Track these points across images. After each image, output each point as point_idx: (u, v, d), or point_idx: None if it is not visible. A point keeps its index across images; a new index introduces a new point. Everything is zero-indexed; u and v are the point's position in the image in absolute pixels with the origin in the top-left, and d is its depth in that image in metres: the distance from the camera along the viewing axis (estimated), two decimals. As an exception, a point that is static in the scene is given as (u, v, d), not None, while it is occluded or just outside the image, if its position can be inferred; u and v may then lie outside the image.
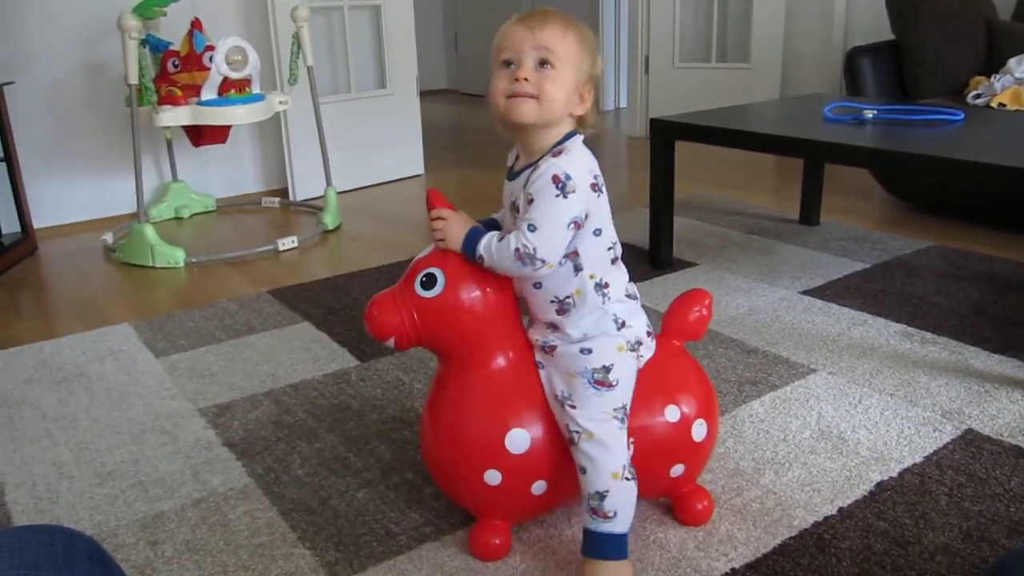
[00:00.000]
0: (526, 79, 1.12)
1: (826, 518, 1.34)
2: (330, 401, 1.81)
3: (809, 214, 2.94)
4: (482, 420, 1.21)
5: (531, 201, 1.12)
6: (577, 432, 1.17)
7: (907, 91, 3.28)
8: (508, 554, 1.28)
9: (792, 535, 1.31)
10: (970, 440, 1.55)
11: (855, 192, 3.41)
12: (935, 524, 1.32)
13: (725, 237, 2.86)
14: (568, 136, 1.18)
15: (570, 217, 1.12)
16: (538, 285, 1.20)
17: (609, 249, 1.21)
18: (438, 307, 1.18)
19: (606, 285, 1.20)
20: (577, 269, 1.18)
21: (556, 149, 1.15)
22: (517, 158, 1.23)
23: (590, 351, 1.19)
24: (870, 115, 2.34)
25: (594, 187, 1.15)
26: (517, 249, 1.11)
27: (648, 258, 2.54)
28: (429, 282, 1.18)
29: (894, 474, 1.45)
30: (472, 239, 1.17)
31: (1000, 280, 2.34)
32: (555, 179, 1.11)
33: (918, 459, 1.50)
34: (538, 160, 1.16)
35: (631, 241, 2.61)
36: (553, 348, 1.22)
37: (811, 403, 1.71)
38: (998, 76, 3.06)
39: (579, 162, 1.14)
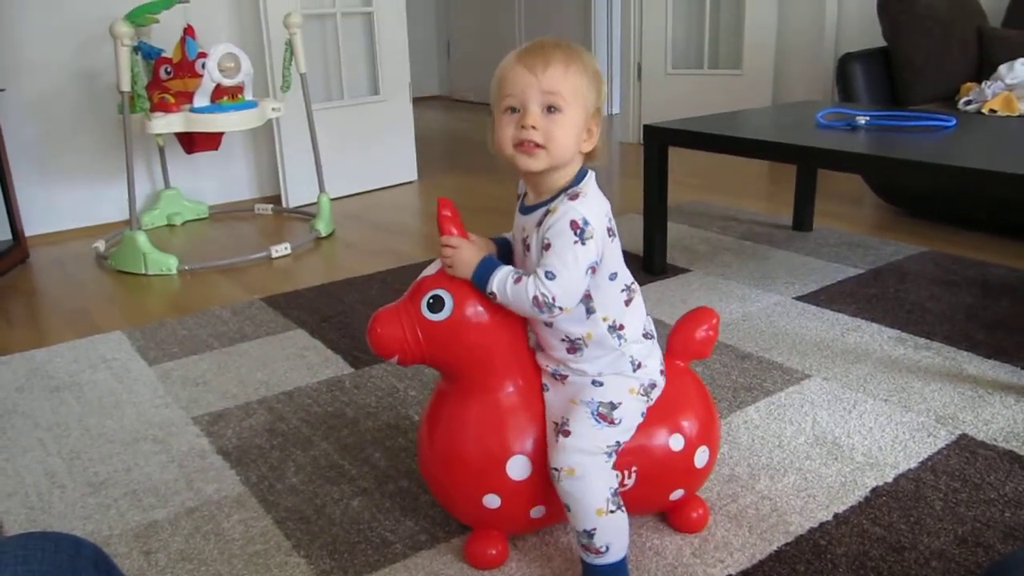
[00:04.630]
0: (534, 127, 1.08)
1: (822, 524, 1.34)
2: (324, 409, 1.80)
3: (802, 220, 2.95)
4: (484, 445, 1.19)
5: (548, 246, 1.09)
6: (557, 470, 1.15)
7: (898, 97, 3.30)
8: (504, 562, 1.28)
9: (788, 541, 1.31)
10: (964, 445, 1.55)
11: (848, 198, 3.42)
12: (930, 529, 1.32)
13: (718, 243, 2.86)
14: (581, 175, 1.15)
15: (588, 263, 1.09)
16: (549, 323, 1.17)
17: (623, 291, 1.18)
18: (445, 331, 1.15)
19: (621, 327, 1.17)
20: (589, 312, 1.15)
21: (572, 192, 1.12)
22: (527, 192, 1.20)
23: (602, 384, 1.18)
24: (862, 121, 2.35)
25: (609, 231, 1.13)
26: (535, 297, 1.08)
27: (642, 264, 2.54)
28: (436, 305, 1.15)
29: (889, 479, 1.45)
30: (484, 273, 1.13)
31: (993, 285, 2.35)
32: (573, 225, 1.08)
33: (913, 464, 1.50)
34: (553, 200, 1.13)
35: (624, 247, 2.60)
36: (564, 377, 1.20)
37: (805, 409, 1.71)
38: (989, 82, 3.08)
39: (595, 206, 1.11)
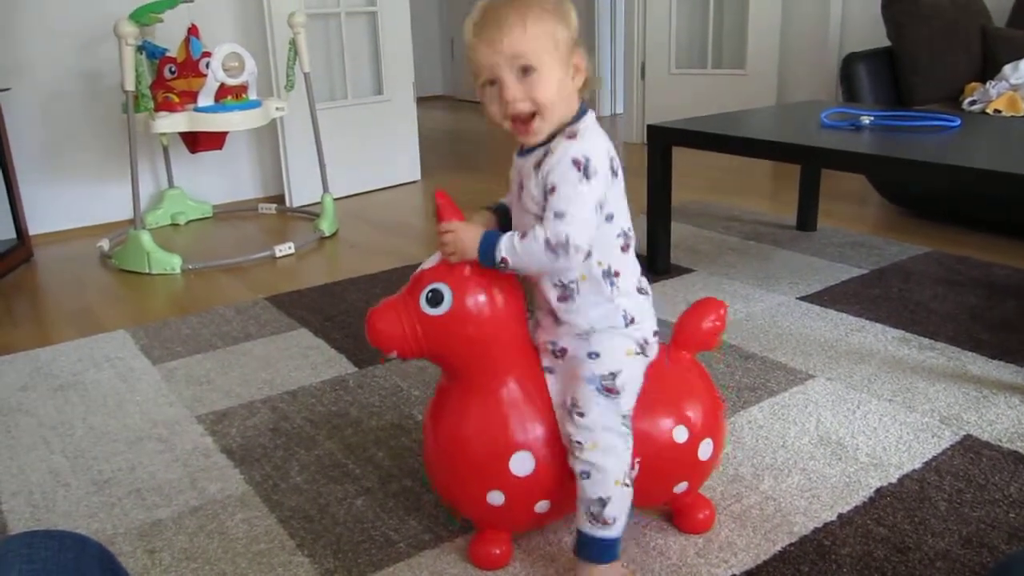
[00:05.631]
0: (516, 98, 1.07)
1: (826, 524, 1.34)
2: (328, 408, 1.80)
3: (806, 220, 2.95)
4: (487, 441, 1.18)
5: (552, 189, 1.07)
6: (580, 443, 1.15)
7: (903, 97, 3.29)
8: (508, 563, 1.28)
9: (792, 541, 1.30)
10: (969, 446, 1.55)
11: (852, 198, 3.42)
12: (935, 530, 1.32)
13: (722, 243, 2.86)
14: (580, 114, 1.13)
15: (596, 199, 1.08)
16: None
17: (619, 236, 1.16)
18: (444, 325, 1.14)
19: (616, 274, 1.16)
20: (586, 254, 1.12)
21: (570, 131, 1.10)
22: None
23: (598, 355, 1.16)
24: (867, 121, 2.34)
25: (612, 170, 1.11)
26: (548, 240, 1.07)
27: (646, 264, 2.53)
28: (435, 298, 1.14)
29: (893, 480, 1.45)
30: (488, 245, 1.11)
31: (997, 286, 2.35)
32: (576, 163, 1.07)
33: (917, 465, 1.49)
34: (550, 141, 1.11)
35: (628, 247, 2.61)
36: (563, 352, 1.19)
37: (810, 409, 1.71)
38: (993, 82, 3.07)
39: (596, 143, 1.10)
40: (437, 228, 1.15)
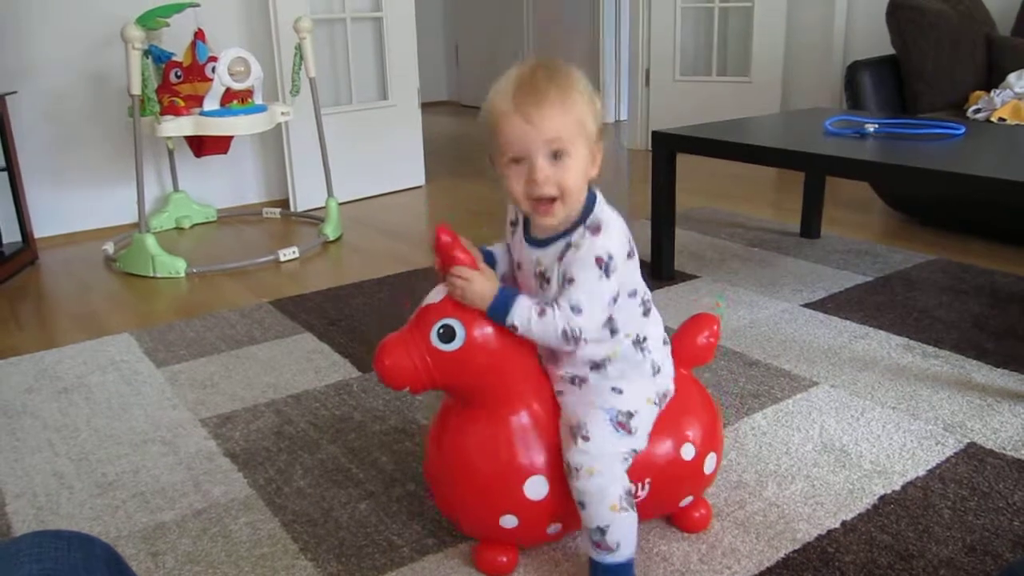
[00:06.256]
0: (547, 181, 1.07)
1: (829, 531, 1.34)
2: (332, 412, 1.80)
3: (810, 227, 2.95)
4: (502, 466, 1.17)
5: (571, 280, 1.09)
6: (576, 469, 1.14)
7: (907, 105, 3.30)
8: (514, 569, 1.28)
9: (795, 548, 1.30)
10: (973, 454, 1.55)
11: (856, 205, 3.42)
12: (939, 538, 1.31)
13: (726, 250, 2.86)
14: (591, 200, 1.14)
15: (612, 295, 1.10)
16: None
17: (640, 304, 1.19)
18: (458, 360, 1.12)
19: (644, 339, 1.19)
20: (613, 332, 1.16)
21: (592, 224, 1.11)
22: (527, 223, 1.18)
23: (621, 392, 1.17)
24: (871, 129, 2.34)
25: (628, 255, 1.13)
26: (564, 331, 1.08)
27: (650, 271, 2.54)
28: (447, 335, 1.11)
29: (897, 487, 1.45)
30: (502, 306, 1.10)
31: (1001, 294, 2.34)
32: (598, 261, 1.08)
33: (921, 472, 1.49)
34: (572, 231, 1.12)
35: (632, 253, 2.62)
36: (583, 381, 1.19)
37: (813, 416, 1.71)
38: (998, 91, 3.07)
39: (617, 235, 1.11)
40: (441, 268, 1.13)
